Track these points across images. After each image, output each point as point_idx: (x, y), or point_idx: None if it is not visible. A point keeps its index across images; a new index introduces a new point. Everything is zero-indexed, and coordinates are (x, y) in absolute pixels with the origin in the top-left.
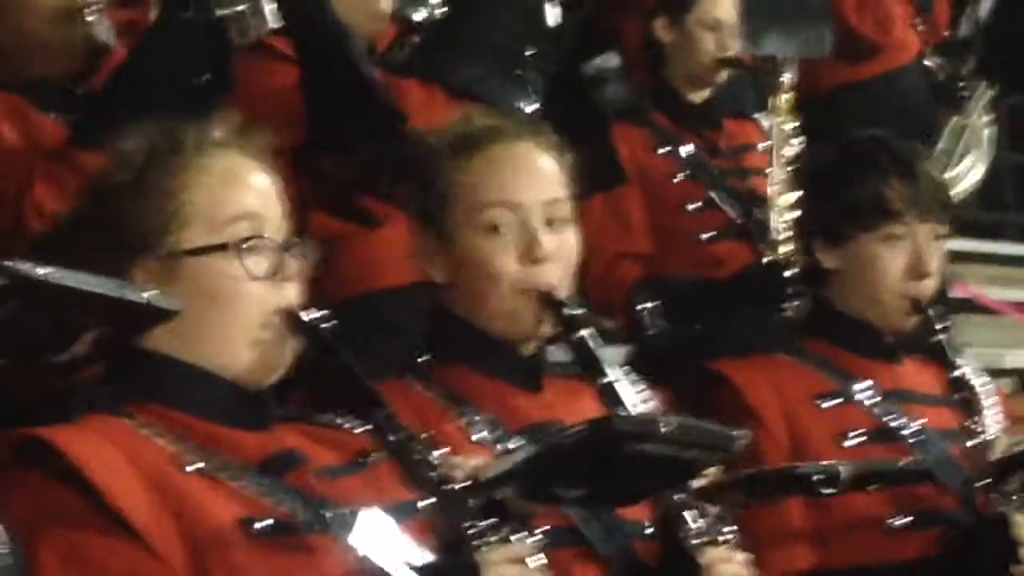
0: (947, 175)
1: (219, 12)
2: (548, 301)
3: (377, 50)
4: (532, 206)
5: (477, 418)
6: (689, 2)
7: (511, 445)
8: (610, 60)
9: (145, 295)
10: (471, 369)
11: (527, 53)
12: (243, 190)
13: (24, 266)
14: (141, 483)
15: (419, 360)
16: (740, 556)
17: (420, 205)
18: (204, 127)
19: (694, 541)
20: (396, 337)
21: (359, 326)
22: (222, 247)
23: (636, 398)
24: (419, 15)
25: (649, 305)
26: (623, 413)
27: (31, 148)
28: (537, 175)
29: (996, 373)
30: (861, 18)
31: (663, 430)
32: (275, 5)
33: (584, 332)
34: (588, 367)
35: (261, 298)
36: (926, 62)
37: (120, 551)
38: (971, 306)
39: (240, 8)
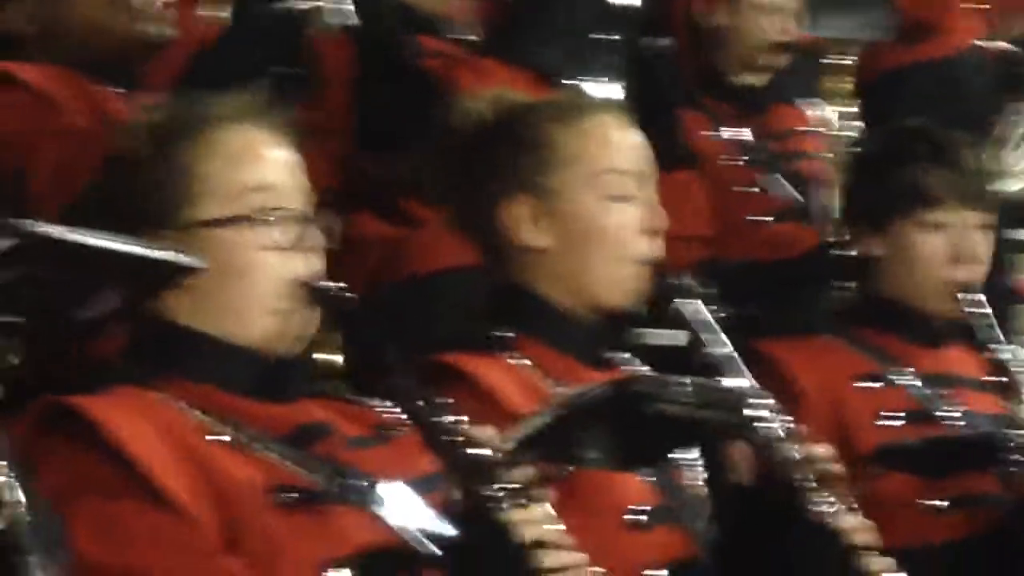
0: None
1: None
2: (662, 277)
3: (451, 26)
4: (645, 177)
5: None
6: None
7: None
8: (661, 43)
9: (168, 252)
10: (544, 344)
11: (607, 36)
12: (259, 163)
13: (42, 226)
14: (172, 453)
15: (500, 337)
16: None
17: (519, 169)
18: (221, 101)
19: (829, 509)
20: (455, 318)
21: (417, 308)
22: (238, 218)
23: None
24: None
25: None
26: (644, 375)
27: (97, 122)
28: (641, 148)
29: None
30: (913, 1)
31: (681, 391)
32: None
33: (694, 300)
34: (698, 336)
35: (278, 268)
36: (1000, 44)
37: (153, 520)
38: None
39: (318, 3)
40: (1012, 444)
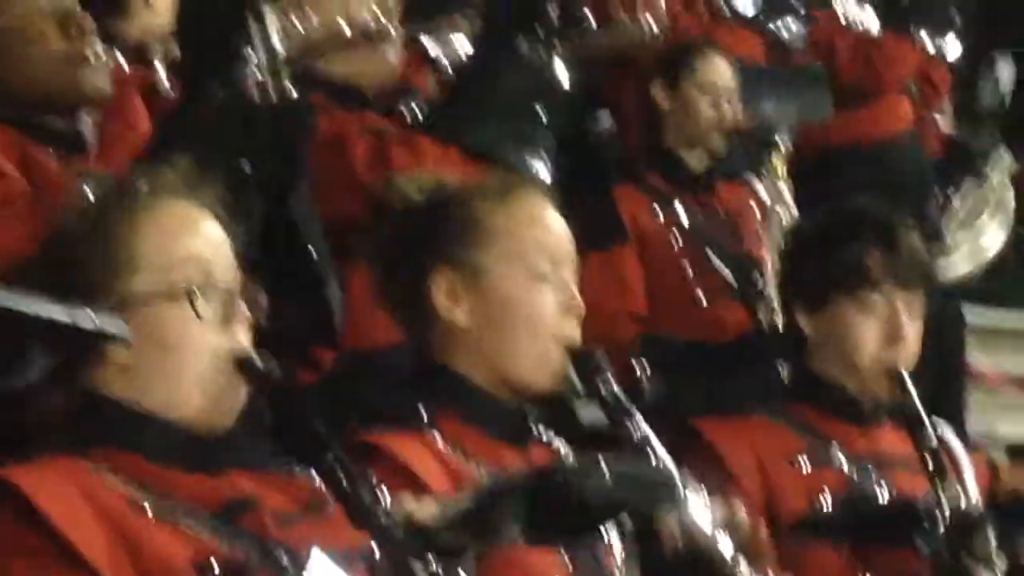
0: (970, 243)
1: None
2: (577, 355)
3: (388, 103)
4: (568, 260)
5: (484, 470)
6: (687, 66)
7: None
8: (602, 121)
9: (92, 318)
10: (464, 423)
11: (539, 114)
12: (192, 237)
13: None
14: (99, 524)
15: (420, 413)
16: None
17: (445, 245)
18: (155, 175)
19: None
20: (388, 393)
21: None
22: (171, 293)
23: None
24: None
25: (647, 368)
26: (565, 460)
27: (29, 180)
28: (565, 231)
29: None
30: (852, 66)
31: (602, 475)
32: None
33: (614, 386)
34: (621, 420)
35: (211, 343)
36: (943, 128)
37: None
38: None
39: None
40: (930, 518)
